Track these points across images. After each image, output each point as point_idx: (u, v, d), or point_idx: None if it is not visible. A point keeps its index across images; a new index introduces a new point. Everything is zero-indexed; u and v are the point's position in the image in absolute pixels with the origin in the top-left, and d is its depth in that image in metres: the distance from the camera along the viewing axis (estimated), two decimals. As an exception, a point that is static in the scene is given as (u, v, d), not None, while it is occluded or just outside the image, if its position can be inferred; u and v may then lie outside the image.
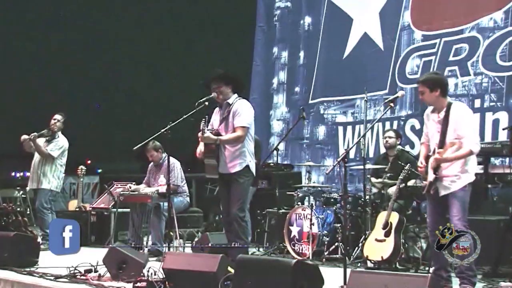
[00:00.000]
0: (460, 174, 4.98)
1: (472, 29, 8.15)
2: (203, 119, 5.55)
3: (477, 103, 7.96)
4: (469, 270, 4.94)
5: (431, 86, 5.11)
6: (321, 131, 10.34)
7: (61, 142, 8.33)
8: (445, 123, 5.05)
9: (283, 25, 11.64)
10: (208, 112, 5.84)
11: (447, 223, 4.90)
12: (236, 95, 5.84)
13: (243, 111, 5.68)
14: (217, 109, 5.93)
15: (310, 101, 10.59)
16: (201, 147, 5.74)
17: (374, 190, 7.19)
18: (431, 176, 5.06)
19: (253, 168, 5.76)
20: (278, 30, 11.73)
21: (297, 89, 11.19)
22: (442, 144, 5.02)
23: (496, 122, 7.70)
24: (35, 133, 8.11)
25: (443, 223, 5.02)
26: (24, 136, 8.16)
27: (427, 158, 5.20)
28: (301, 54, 11.13)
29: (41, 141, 8.23)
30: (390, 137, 7.28)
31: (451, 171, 5.01)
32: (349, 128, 9.84)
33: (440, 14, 8.61)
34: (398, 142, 7.30)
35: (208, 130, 5.60)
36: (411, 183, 6.56)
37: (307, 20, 11.06)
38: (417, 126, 8.45)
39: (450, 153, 4.90)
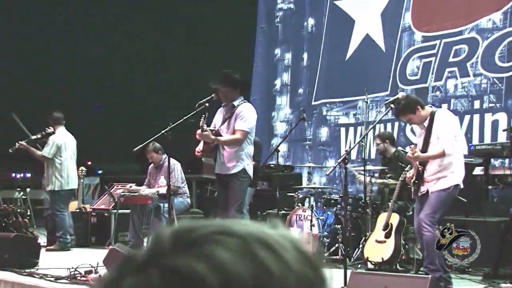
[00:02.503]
0: (447, 174, 5.08)
1: (472, 30, 8.16)
2: (203, 116, 5.57)
3: (477, 104, 7.96)
4: (430, 264, 5.02)
5: (411, 109, 5.22)
6: (324, 132, 10.34)
7: (51, 139, 8.14)
8: (428, 131, 5.19)
9: (286, 26, 11.63)
10: (208, 111, 5.86)
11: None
12: (242, 97, 5.87)
13: (246, 116, 5.69)
14: (221, 108, 5.94)
15: (313, 103, 10.59)
16: (200, 146, 5.76)
17: (374, 188, 7.20)
18: (412, 182, 5.26)
19: (250, 171, 5.77)
20: (281, 31, 11.72)
21: (300, 90, 11.18)
22: (424, 151, 5.17)
23: (495, 123, 7.70)
24: (21, 142, 8.05)
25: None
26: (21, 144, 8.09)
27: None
28: (305, 55, 11.12)
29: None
30: (377, 144, 7.36)
31: (438, 175, 5.12)
32: (351, 129, 9.84)
33: (440, 15, 8.61)
34: (386, 145, 7.28)
35: (209, 128, 5.62)
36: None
37: (310, 21, 11.05)
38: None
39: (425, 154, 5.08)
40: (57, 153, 8.17)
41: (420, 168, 5.21)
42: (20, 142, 8.09)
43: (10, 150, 8.22)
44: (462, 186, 5.19)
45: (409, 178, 5.37)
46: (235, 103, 5.77)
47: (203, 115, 5.61)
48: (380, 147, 7.28)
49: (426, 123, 5.21)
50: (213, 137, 5.59)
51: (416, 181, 5.20)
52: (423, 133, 5.25)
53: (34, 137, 8.18)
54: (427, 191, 5.17)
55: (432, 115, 5.19)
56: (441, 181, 5.08)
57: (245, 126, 5.67)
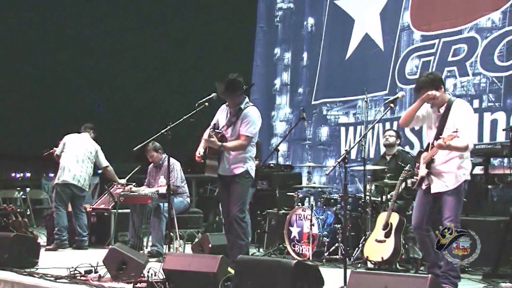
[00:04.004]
0: (456, 171, 4.93)
1: (471, 29, 8.16)
2: (212, 127, 5.67)
3: (476, 103, 7.95)
4: (451, 270, 4.95)
5: (435, 85, 5.01)
6: (324, 132, 10.35)
7: (62, 140, 8.59)
8: (444, 118, 5.00)
9: (286, 26, 11.64)
10: (213, 112, 5.90)
11: (436, 221, 4.90)
12: (246, 98, 5.90)
13: (251, 120, 5.73)
14: (223, 106, 5.96)
15: (313, 102, 10.60)
16: (200, 150, 5.78)
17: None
18: (423, 171, 5.05)
19: (252, 172, 5.84)
20: (281, 31, 11.73)
21: (300, 90, 11.20)
22: (437, 138, 4.94)
23: (494, 123, 7.71)
24: (55, 148, 8.64)
25: (428, 221, 5.00)
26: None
27: (419, 153, 5.21)
28: (305, 55, 11.13)
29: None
30: (390, 136, 7.34)
31: (447, 167, 4.96)
32: (351, 129, 9.85)
33: (439, 15, 8.61)
34: (397, 142, 7.35)
35: (216, 131, 5.66)
36: (410, 183, 6.54)
37: (310, 21, 11.06)
38: (417, 127, 8.46)
39: (453, 143, 4.75)
40: (62, 150, 8.48)
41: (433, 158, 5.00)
42: (54, 147, 8.63)
43: (44, 154, 8.83)
44: (469, 177, 5.05)
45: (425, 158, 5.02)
46: (241, 106, 5.80)
47: (213, 125, 5.72)
48: (392, 140, 7.29)
49: (442, 110, 5.03)
50: (219, 143, 5.63)
51: (428, 169, 5.00)
52: (437, 121, 5.04)
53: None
54: (429, 187, 5.03)
55: (449, 103, 5.02)
56: (453, 180, 4.92)
57: (250, 132, 5.71)
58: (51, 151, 8.69)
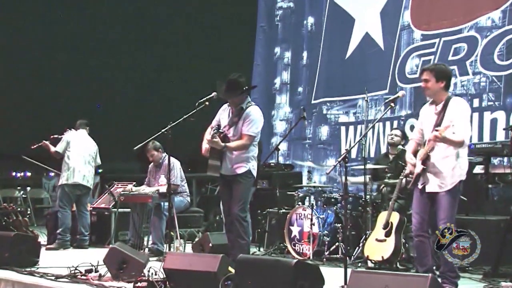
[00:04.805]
0: (452, 171, 4.89)
1: (471, 28, 8.16)
2: (215, 127, 5.70)
3: (476, 102, 7.96)
4: (450, 271, 4.94)
5: (438, 76, 5.00)
6: (324, 131, 10.35)
7: (64, 137, 8.53)
8: (441, 115, 4.97)
9: (286, 25, 11.65)
10: (213, 111, 5.91)
11: (434, 223, 4.87)
12: (248, 98, 5.91)
13: (254, 120, 5.73)
14: (225, 106, 5.97)
15: (313, 101, 10.60)
16: (205, 144, 5.78)
17: (374, 187, 7.19)
18: (418, 168, 4.99)
19: (254, 171, 5.84)
20: (281, 30, 11.74)
21: (300, 89, 11.21)
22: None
23: (494, 122, 7.71)
24: (44, 141, 8.50)
25: (430, 224, 4.97)
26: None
27: (415, 153, 5.17)
28: (304, 54, 11.14)
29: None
30: (396, 135, 7.33)
31: (443, 166, 4.90)
32: (351, 128, 9.85)
33: (439, 14, 8.61)
34: (402, 142, 7.34)
35: (219, 131, 5.67)
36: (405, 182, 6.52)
37: (310, 20, 11.06)
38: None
39: (449, 135, 4.72)
40: (66, 148, 8.44)
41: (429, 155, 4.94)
42: (44, 141, 8.50)
43: (32, 147, 8.67)
44: (465, 177, 4.99)
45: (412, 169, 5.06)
46: (243, 105, 5.80)
47: (216, 126, 5.75)
48: (397, 139, 7.28)
49: (439, 107, 5.00)
50: (222, 144, 5.63)
51: (425, 166, 4.94)
52: (434, 119, 5.01)
53: (55, 136, 8.60)
54: (424, 186, 4.99)
55: (447, 100, 4.99)
56: (449, 179, 4.87)
57: (252, 131, 5.71)
58: (40, 144, 8.58)
